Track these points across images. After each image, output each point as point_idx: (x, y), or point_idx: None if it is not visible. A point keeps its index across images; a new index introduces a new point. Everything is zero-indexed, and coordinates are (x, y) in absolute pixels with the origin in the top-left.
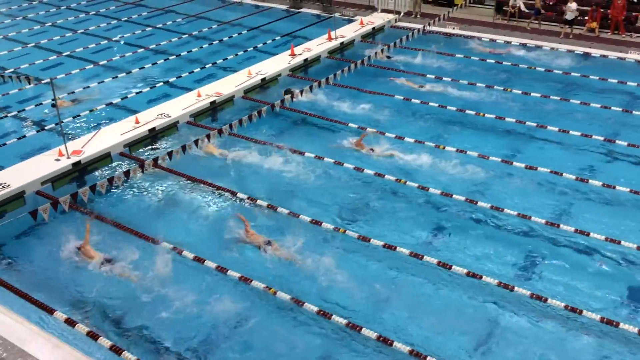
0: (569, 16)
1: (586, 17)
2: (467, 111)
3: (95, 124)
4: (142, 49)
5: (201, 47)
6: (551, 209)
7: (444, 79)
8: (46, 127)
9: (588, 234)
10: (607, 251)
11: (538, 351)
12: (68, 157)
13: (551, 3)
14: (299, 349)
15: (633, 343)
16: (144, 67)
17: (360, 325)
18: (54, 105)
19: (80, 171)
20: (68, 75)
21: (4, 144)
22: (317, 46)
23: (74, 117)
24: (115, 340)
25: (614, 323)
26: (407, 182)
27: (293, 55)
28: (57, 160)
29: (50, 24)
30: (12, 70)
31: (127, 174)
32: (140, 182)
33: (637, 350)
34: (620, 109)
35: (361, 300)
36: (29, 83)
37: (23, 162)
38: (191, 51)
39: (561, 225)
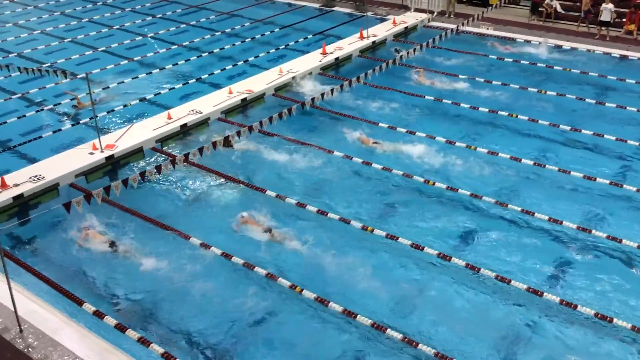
0: (604, 17)
1: (624, 20)
2: (500, 112)
3: (128, 119)
4: (176, 46)
5: (233, 45)
6: (583, 214)
7: (477, 79)
8: (81, 121)
9: (620, 241)
10: None
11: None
12: (102, 151)
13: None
14: (324, 347)
15: None
16: (177, 64)
17: (385, 326)
18: (74, 106)
19: (113, 165)
20: (103, 70)
21: (40, 137)
22: (349, 45)
23: (108, 112)
24: (142, 332)
25: None
26: (436, 184)
27: (324, 53)
28: (91, 153)
29: (86, 19)
30: (48, 64)
31: (158, 168)
32: (172, 177)
33: None
34: None
35: (386, 301)
36: (65, 77)
37: (58, 154)
38: (223, 48)
39: (593, 231)
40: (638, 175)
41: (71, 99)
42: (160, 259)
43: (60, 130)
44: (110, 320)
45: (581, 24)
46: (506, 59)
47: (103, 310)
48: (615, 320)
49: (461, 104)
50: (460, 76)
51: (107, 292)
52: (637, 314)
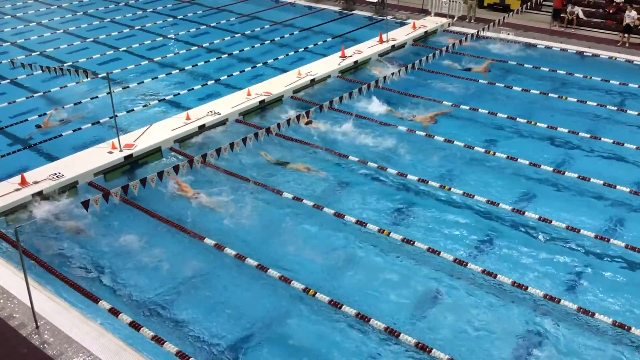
0: (628, 21)
1: None
2: (518, 119)
3: (147, 119)
4: (196, 47)
5: (253, 47)
6: (603, 222)
7: (497, 84)
8: (101, 121)
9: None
10: None
11: None
12: (120, 150)
13: (611, 11)
14: (334, 353)
15: None
16: (196, 65)
17: (399, 331)
18: (38, 126)
19: (131, 164)
20: (124, 70)
21: (60, 135)
22: (368, 48)
23: (128, 112)
24: (156, 330)
25: None
26: (452, 189)
27: (343, 56)
28: (110, 152)
29: (108, 19)
30: (70, 63)
31: (176, 169)
32: (189, 177)
33: None
34: None
35: (404, 303)
36: (87, 77)
37: (77, 153)
38: (243, 50)
39: (612, 240)
40: None
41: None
42: (171, 258)
43: (80, 129)
44: (125, 318)
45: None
46: (525, 65)
47: (118, 308)
48: (633, 329)
49: (479, 110)
50: (480, 81)
51: (121, 290)
52: None
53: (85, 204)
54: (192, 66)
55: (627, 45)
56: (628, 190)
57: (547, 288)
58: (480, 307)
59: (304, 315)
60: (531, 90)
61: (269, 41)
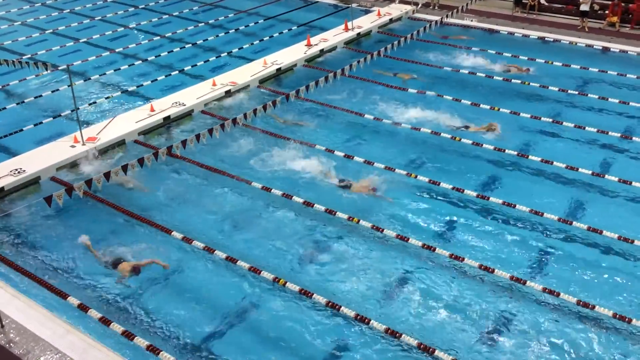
0: (583, 7)
1: (607, 11)
2: (482, 105)
3: (110, 111)
4: (158, 37)
5: (217, 36)
6: (566, 205)
7: (461, 71)
8: (62, 114)
9: None
10: None
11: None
12: (83, 144)
13: None
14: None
15: None
16: (159, 55)
17: (369, 318)
18: None
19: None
20: (85, 62)
21: (21, 130)
22: (334, 37)
23: (90, 104)
24: (127, 326)
25: None
26: (418, 176)
27: (309, 45)
28: (73, 146)
29: (68, 10)
30: (29, 56)
31: (141, 161)
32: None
33: None
34: (639, 105)
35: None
36: (46, 69)
37: (39, 148)
38: (207, 40)
39: (574, 223)
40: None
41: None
42: (139, 253)
43: (41, 123)
44: (95, 314)
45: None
46: (489, 50)
47: (87, 304)
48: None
49: (444, 96)
50: (444, 68)
51: (90, 285)
52: None
53: (48, 200)
54: (155, 56)
55: (586, 29)
56: (590, 172)
57: (513, 270)
58: (448, 291)
59: (275, 305)
60: (494, 77)
61: (233, 30)
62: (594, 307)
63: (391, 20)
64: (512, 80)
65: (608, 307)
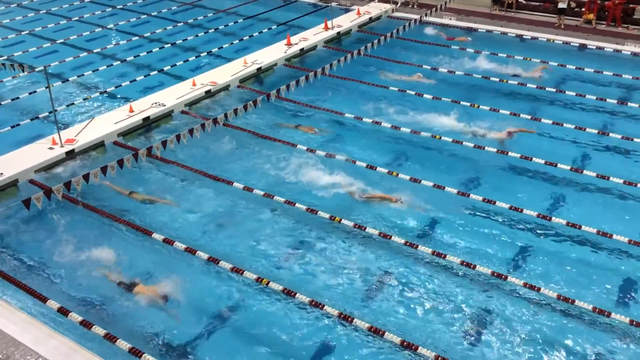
0: (560, 5)
1: (583, 9)
2: (462, 102)
3: (89, 113)
4: (137, 37)
5: (196, 36)
6: (545, 201)
7: (440, 70)
8: (40, 116)
9: None
10: None
11: None
12: (62, 146)
13: None
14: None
15: None
16: (138, 55)
17: (352, 316)
18: None
19: (74, 159)
20: (62, 63)
21: None
22: (314, 36)
23: (67, 106)
24: (108, 329)
25: None
26: (399, 174)
27: (289, 44)
28: (51, 148)
29: (44, 11)
30: (5, 57)
31: (120, 163)
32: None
33: None
34: (615, 101)
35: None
36: (23, 71)
37: (16, 150)
38: (186, 39)
39: (554, 218)
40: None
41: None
42: (118, 256)
43: (18, 125)
44: (76, 317)
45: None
46: (468, 49)
47: (68, 307)
48: None
49: (424, 95)
50: (423, 66)
51: (70, 288)
52: None
53: (27, 203)
54: (134, 57)
55: (562, 27)
56: (568, 168)
57: (494, 266)
58: (430, 288)
59: (258, 305)
60: (473, 75)
61: (212, 30)
62: (573, 301)
63: (371, 19)
64: (491, 78)
65: (588, 301)
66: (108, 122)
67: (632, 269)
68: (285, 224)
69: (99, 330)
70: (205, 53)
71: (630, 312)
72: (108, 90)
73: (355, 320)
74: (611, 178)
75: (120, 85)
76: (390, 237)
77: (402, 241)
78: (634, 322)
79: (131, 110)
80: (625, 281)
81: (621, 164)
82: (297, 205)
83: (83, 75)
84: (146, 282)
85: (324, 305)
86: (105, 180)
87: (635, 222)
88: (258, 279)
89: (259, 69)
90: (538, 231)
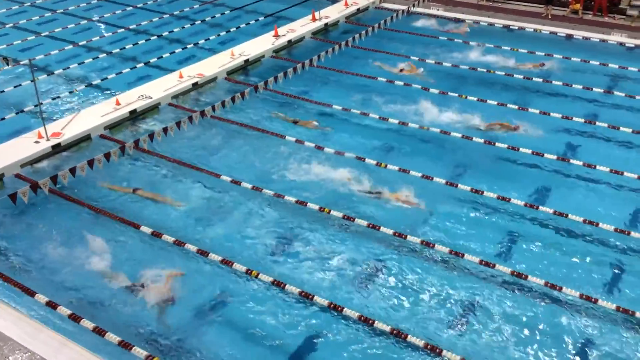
0: None
1: None
2: (450, 93)
3: (75, 106)
4: (123, 29)
5: (183, 27)
6: (531, 190)
7: (427, 61)
8: (25, 109)
9: None
10: None
11: None
12: (47, 140)
13: None
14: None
15: None
16: (124, 48)
17: (342, 306)
18: None
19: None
20: (47, 56)
21: None
22: (301, 27)
23: (53, 99)
24: (98, 322)
25: None
26: (388, 165)
27: (277, 36)
28: (37, 142)
29: (29, 4)
30: None
31: (107, 156)
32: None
33: None
34: (602, 90)
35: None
36: (7, 64)
37: (2, 144)
38: (173, 31)
39: (540, 207)
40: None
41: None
42: (107, 247)
43: (3, 119)
44: (64, 311)
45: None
46: (456, 40)
47: (56, 301)
48: None
49: (413, 85)
50: (411, 57)
51: (58, 282)
52: None
53: (13, 198)
54: (120, 49)
55: (549, 17)
56: (555, 157)
57: (482, 255)
58: (419, 277)
59: (248, 297)
60: (460, 66)
61: (199, 21)
62: (561, 288)
63: (358, 10)
64: (478, 69)
65: (575, 288)
66: (94, 115)
67: (618, 256)
68: (274, 215)
69: (87, 323)
70: (192, 45)
71: (617, 299)
72: (94, 83)
73: (345, 309)
74: (598, 167)
75: (107, 78)
76: (379, 227)
77: (391, 232)
78: (621, 309)
79: (117, 103)
80: (612, 268)
81: (608, 153)
82: (286, 197)
83: (69, 68)
84: (134, 276)
85: (313, 296)
86: (104, 182)
87: (622, 210)
88: (248, 270)
89: (246, 61)
90: (525, 220)
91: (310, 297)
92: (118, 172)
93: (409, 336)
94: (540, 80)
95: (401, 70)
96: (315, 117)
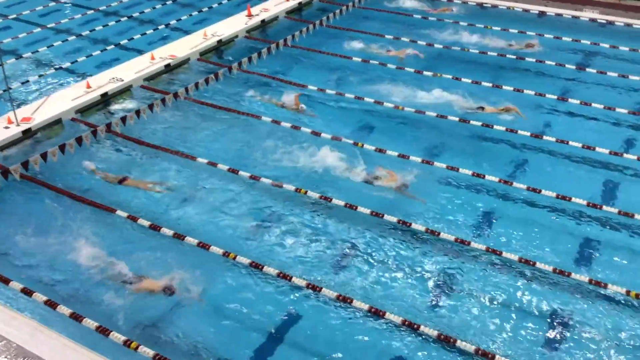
0: None
1: None
2: (424, 72)
3: (44, 90)
4: (92, 11)
5: (154, 8)
6: (506, 167)
7: (403, 39)
8: None
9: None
10: None
11: None
12: (17, 125)
13: None
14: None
15: None
16: (94, 30)
17: (320, 286)
18: None
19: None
20: (15, 39)
21: None
22: (275, 6)
23: (22, 83)
24: (75, 308)
25: None
26: (364, 145)
27: (250, 16)
28: (7, 128)
29: None
30: None
31: (79, 140)
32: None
33: None
34: (574, 67)
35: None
36: None
37: None
38: (143, 12)
39: (514, 183)
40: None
41: None
42: (85, 233)
43: None
44: (40, 297)
45: None
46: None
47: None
48: None
49: (388, 65)
50: (385, 36)
51: (30, 267)
52: None
53: None
54: (90, 31)
55: None
56: (528, 134)
57: (458, 232)
58: (396, 255)
59: (226, 279)
60: (435, 45)
61: (170, 1)
62: (534, 263)
63: None
64: (452, 47)
65: (549, 262)
66: (65, 99)
67: (590, 230)
68: (251, 197)
69: (64, 309)
70: (164, 26)
71: (589, 272)
72: (64, 66)
73: (323, 289)
74: (570, 142)
75: (77, 61)
76: (356, 207)
77: (368, 211)
78: (593, 281)
79: (88, 86)
80: (584, 242)
81: (579, 129)
82: (262, 179)
83: (37, 51)
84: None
85: (292, 277)
86: (100, 172)
87: (594, 184)
88: (225, 253)
89: (219, 42)
90: (500, 197)
91: (288, 277)
92: (91, 156)
93: (387, 313)
94: (514, 57)
95: (388, 51)
96: (301, 100)
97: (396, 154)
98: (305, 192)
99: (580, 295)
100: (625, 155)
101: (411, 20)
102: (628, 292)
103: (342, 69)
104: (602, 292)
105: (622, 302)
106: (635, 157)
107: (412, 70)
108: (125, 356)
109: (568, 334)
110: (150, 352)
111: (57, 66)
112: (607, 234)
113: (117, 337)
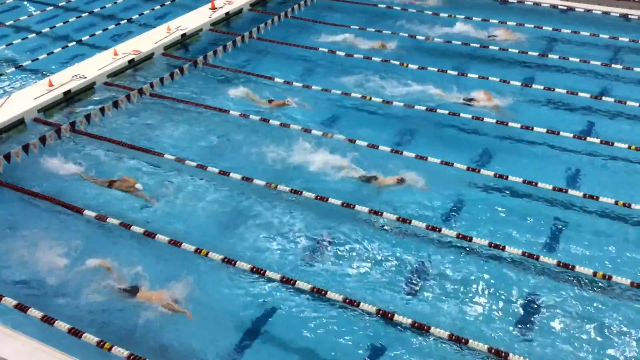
0: None
1: None
2: (410, 66)
3: (5, 89)
4: (52, 7)
5: (115, 3)
6: (473, 155)
7: (368, 29)
8: None
9: None
10: None
11: None
12: None
13: None
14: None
15: None
16: (54, 26)
17: (294, 279)
18: None
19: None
20: None
21: None
22: None
23: None
24: (47, 311)
25: None
26: (334, 135)
27: (214, 8)
28: None
29: None
30: None
31: (43, 140)
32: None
33: None
34: (537, 54)
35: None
36: None
37: None
38: (104, 7)
39: (482, 170)
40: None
41: None
42: (53, 234)
43: None
44: (9, 302)
45: None
46: (410, 10)
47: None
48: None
49: (355, 55)
50: (351, 27)
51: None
52: None
53: None
54: (50, 28)
55: None
56: (494, 121)
57: (429, 220)
58: (369, 246)
59: (198, 276)
60: (400, 33)
61: None
62: (504, 247)
63: None
64: (417, 37)
65: (517, 246)
66: (27, 98)
67: (556, 214)
68: (220, 193)
69: (36, 313)
70: (126, 20)
71: (557, 255)
72: (24, 64)
73: (297, 282)
74: (535, 128)
75: (37, 59)
76: (327, 199)
77: (339, 202)
78: (561, 264)
79: (50, 85)
80: (551, 226)
81: (544, 115)
82: (231, 174)
83: None
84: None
85: (265, 271)
86: (88, 176)
87: (559, 169)
88: (197, 250)
89: (183, 35)
90: (467, 184)
91: (262, 272)
92: (56, 156)
93: (362, 303)
94: (478, 46)
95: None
96: (285, 96)
97: (365, 143)
98: (276, 187)
99: (548, 278)
100: (588, 139)
101: (376, 10)
102: (595, 273)
103: (309, 61)
104: (568, 273)
105: (589, 282)
106: (598, 141)
107: (379, 59)
108: (98, 356)
109: (538, 316)
110: (125, 353)
111: (17, 64)
112: (573, 216)
113: (90, 338)
